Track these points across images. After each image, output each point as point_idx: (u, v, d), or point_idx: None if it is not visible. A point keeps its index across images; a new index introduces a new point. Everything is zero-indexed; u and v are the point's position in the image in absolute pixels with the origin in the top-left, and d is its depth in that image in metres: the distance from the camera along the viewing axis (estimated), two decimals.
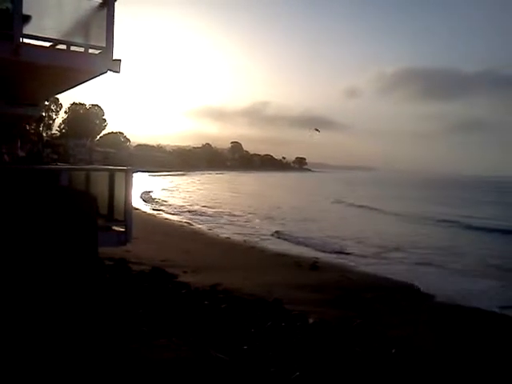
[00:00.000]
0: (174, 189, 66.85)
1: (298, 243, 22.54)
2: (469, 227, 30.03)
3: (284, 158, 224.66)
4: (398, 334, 9.34)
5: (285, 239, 23.83)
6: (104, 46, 8.03)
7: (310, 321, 9.67)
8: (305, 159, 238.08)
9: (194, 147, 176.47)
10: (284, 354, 7.46)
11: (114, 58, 8.06)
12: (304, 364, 7.05)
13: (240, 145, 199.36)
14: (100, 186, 9.15)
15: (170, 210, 37.42)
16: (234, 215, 35.24)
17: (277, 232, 25.94)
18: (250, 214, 35.87)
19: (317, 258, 18.39)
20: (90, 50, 8.25)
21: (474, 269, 17.60)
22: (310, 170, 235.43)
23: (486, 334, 10.19)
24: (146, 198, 46.91)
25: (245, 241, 22.80)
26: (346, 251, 20.57)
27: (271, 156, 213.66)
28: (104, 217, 8.76)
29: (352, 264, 17.78)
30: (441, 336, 9.77)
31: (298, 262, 17.18)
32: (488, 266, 18.09)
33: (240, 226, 29.56)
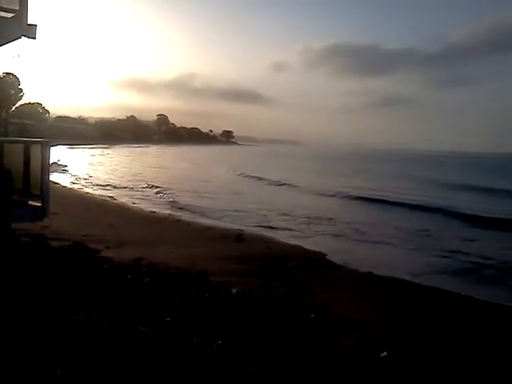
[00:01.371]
0: (96, 162, 64.75)
1: (208, 216, 23.01)
2: (384, 202, 31.14)
3: (211, 131, 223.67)
4: (319, 301, 9.83)
5: (197, 212, 24.20)
6: (17, 8, 7.54)
7: (234, 291, 9.87)
8: (232, 132, 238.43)
9: (118, 119, 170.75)
10: (207, 324, 7.60)
11: (28, 22, 7.59)
12: (226, 333, 7.24)
13: (166, 117, 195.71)
14: (15, 159, 8.75)
15: (91, 184, 36.26)
16: (157, 187, 34.88)
17: (177, 202, 26.98)
18: (168, 187, 35.46)
19: (241, 230, 18.68)
20: (2, 13, 7.73)
21: (388, 240, 18.60)
22: (236, 143, 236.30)
23: (398, 299, 10.96)
24: (65, 171, 45.15)
25: (170, 214, 22.66)
26: (269, 224, 21.05)
27: (198, 129, 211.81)
28: (19, 191, 8.43)
29: (274, 236, 18.23)
30: (356, 301, 10.38)
31: (224, 235, 17.38)
32: (401, 238, 19.14)
33: (159, 199, 29.55)
